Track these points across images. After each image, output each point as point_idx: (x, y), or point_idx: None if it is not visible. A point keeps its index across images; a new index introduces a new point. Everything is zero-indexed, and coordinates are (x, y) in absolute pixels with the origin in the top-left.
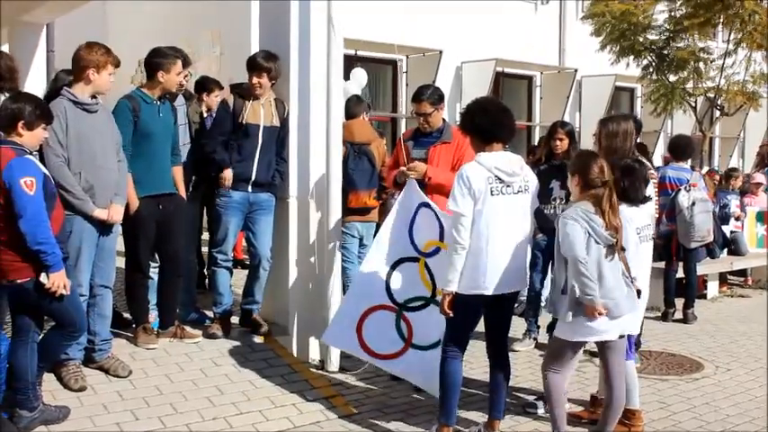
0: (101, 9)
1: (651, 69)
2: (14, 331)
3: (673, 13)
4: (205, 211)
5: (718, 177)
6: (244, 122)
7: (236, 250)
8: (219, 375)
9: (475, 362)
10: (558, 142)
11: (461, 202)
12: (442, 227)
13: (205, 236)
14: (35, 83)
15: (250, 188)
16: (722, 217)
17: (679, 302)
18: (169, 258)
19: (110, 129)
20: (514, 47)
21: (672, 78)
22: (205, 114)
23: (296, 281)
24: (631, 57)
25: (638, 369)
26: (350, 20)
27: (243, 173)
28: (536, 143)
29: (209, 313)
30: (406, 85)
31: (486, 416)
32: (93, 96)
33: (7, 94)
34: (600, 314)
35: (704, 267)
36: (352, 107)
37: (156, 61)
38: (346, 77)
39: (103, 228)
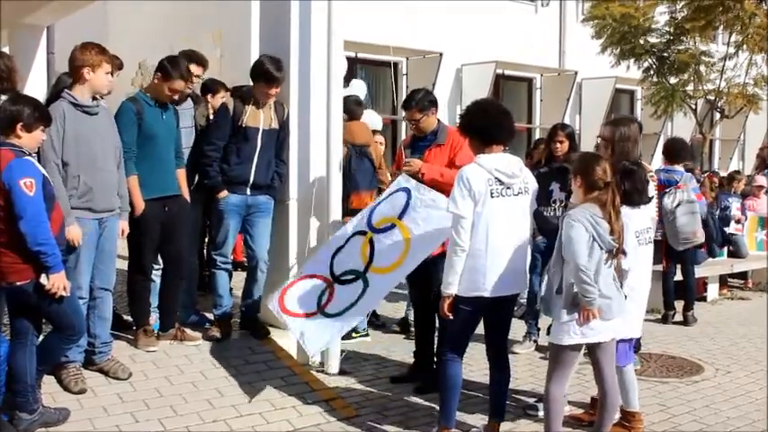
0: (101, 11)
1: (652, 72)
2: (13, 334)
3: (673, 16)
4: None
5: (717, 180)
6: (243, 126)
7: (235, 252)
8: (219, 378)
9: (474, 364)
10: (558, 145)
11: (461, 203)
12: (406, 206)
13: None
14: (35, 85)
15: (248, 191)
16: (723, 219)
17: (679, 305)
18: (172, 260)
19: (110, 131)
20: (514, 49)
21: (672, 81)
22: (211, 117)
23: None
24: (632, 59)
25: (637, 371)
26: (350, 22)
27: (241, 175)
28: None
29: (209, 315)
30: (407, 87)
31: (486, 418)
32: (95, 98)
33: (3, 96)
34: (594, 317)
35: (704, 270)
36: (354, 109)
37: (162, 65)
38: (347, 79)
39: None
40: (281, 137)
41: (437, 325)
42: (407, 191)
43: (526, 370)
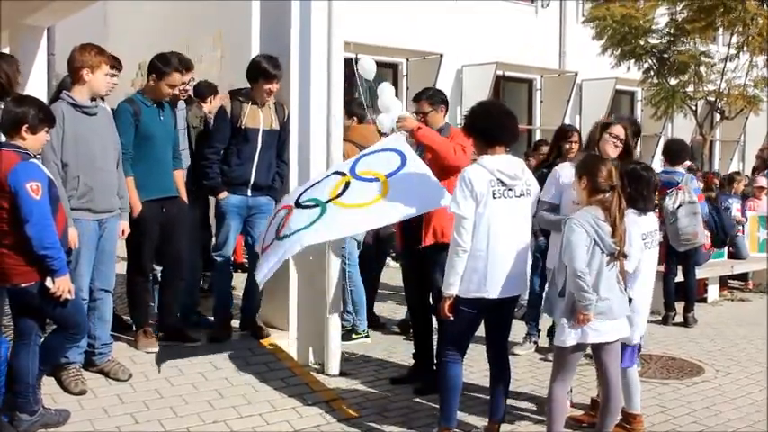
0: (101, 12)
1: (652, 73)
2: (16, 334)
3: (674, 17)
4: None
5: (717, 181)
6: (243, 127)
7: (236, 253)
8: (220, 379)
9: (475, 365)
10: (573, 145)
11: (463, 204)
12: (397, 171)
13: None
14: (36, 86)
15: (249, 192)
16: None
17: (679, 306)
18: (171, 261)
19: (110, 132)
20: (515, 50)
21: (672, 82)
22: (207, 118)
23: (296, 284)
24: (632, 60)
25: (638, 372)
26: (350, 23)
27: (241, 176)
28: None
29: (209, 316)
30: (407, 88)
31: (487, 419)
32: (93, 99)
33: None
34: (588, 320)
35: (705, 271)
36: (360, 111)
37: (153, 64)
38: (347, 80)
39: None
40: (282, 138)
41: (435, 325)
42: (402, 156)
43: (526, 371)
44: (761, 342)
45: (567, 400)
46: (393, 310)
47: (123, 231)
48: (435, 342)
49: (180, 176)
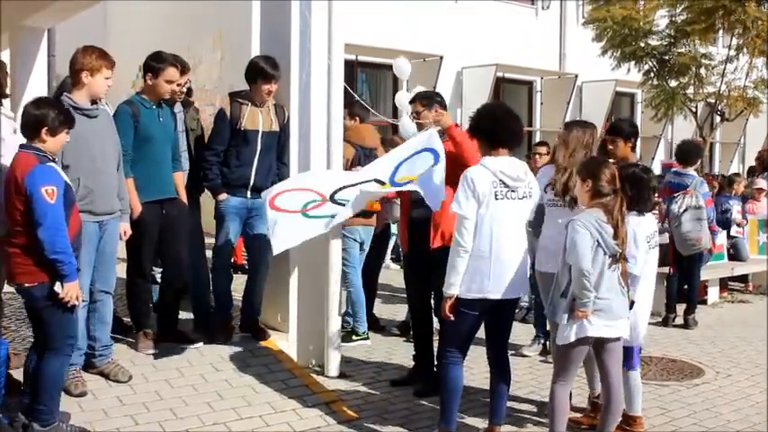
0: (101, 14)
1: (652, 75)
2: (46, 340)
3: (674, 19)
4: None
5: (716, 184)
6: (242, 129)
7: (236, 255)
8: (220, 380)
9: (475, 367)
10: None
11: (465, 204)
12: (430, 169)
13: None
14: (36, 87)
15: (248, 194)
16: (723, 222)
17: (680, 308)
18: (172, 262)
19: (110, 134)
20: (515, 52)
21: (672, 84)
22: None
23: (296, 286)
24: (632, 62)
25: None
26: (351, 25)
27: (241, 178)
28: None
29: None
30: (407, 89)
31: (487, 421)
32: (94, 102)
33: None
34: (586, 316)
35: (705, 273)
36: (362, 112)
37: (147, 64)
38: (347, 81)
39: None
40: (282, 139)
41: (436, 327)
42: (435, 155)
43: (527, 373)
44: (761, 344)
45: (568, 401)
46: (393, 313)
47: (124, 233)
48: (436, 344)
49: (179, 178)
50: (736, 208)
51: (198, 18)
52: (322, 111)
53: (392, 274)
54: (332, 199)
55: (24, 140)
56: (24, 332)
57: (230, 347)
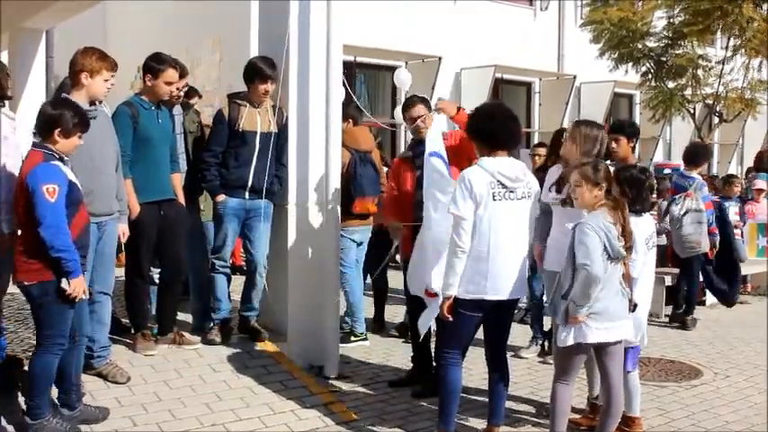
0: (101, 15)
1: (650, 76)
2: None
3: (671, 20)
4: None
5: (714, 184)
6: (240, 130)
7: (234, 256)
8: (218, 382)
9: (474, 368)
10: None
11: (462, 205)
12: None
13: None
14: (34, 88)
15: (247, 195)
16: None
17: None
18: (170, 264)
19: (109, 135)
20: (513, 53)
21: (670, 85)
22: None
23: (295, 287)
24: (630, 63)
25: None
26: (349, 26)
27: (239, 179)
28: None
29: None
30: (406, 90)
31: (486, 422)
32: (93, 103)
33: None
34: (578, 322)
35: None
36: (354, 114)
37: (146, 65)
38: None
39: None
40: (281, 141)
41: (434, 329)
42: (445, 162)
43: (525, 374)
44: (760, 345)
45: (569, 401)
46: (392, 314)
47: (123, 233)
48: (434, 346)
49: (177, 180)
50: (733, 209)
51: (197, 19)
52: (320, 112)
53: (391, 275)
54: None
55: (26, 141)
56: (23, 333)
57: (229, 349)
